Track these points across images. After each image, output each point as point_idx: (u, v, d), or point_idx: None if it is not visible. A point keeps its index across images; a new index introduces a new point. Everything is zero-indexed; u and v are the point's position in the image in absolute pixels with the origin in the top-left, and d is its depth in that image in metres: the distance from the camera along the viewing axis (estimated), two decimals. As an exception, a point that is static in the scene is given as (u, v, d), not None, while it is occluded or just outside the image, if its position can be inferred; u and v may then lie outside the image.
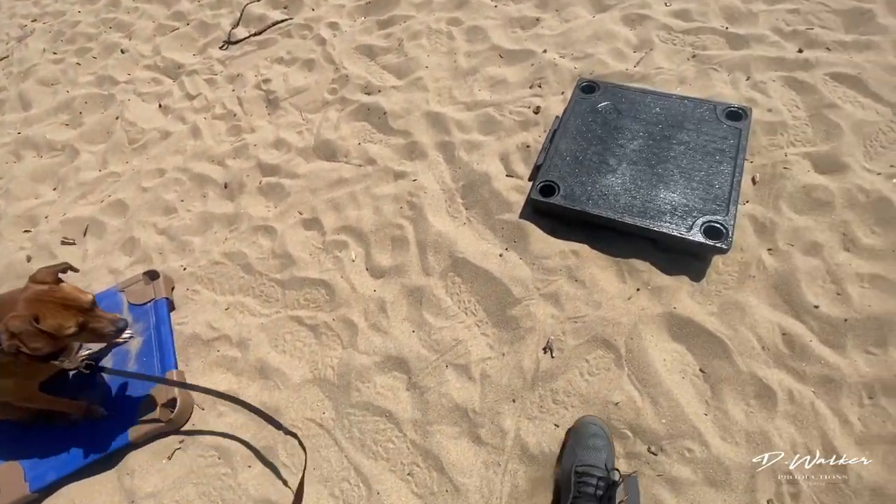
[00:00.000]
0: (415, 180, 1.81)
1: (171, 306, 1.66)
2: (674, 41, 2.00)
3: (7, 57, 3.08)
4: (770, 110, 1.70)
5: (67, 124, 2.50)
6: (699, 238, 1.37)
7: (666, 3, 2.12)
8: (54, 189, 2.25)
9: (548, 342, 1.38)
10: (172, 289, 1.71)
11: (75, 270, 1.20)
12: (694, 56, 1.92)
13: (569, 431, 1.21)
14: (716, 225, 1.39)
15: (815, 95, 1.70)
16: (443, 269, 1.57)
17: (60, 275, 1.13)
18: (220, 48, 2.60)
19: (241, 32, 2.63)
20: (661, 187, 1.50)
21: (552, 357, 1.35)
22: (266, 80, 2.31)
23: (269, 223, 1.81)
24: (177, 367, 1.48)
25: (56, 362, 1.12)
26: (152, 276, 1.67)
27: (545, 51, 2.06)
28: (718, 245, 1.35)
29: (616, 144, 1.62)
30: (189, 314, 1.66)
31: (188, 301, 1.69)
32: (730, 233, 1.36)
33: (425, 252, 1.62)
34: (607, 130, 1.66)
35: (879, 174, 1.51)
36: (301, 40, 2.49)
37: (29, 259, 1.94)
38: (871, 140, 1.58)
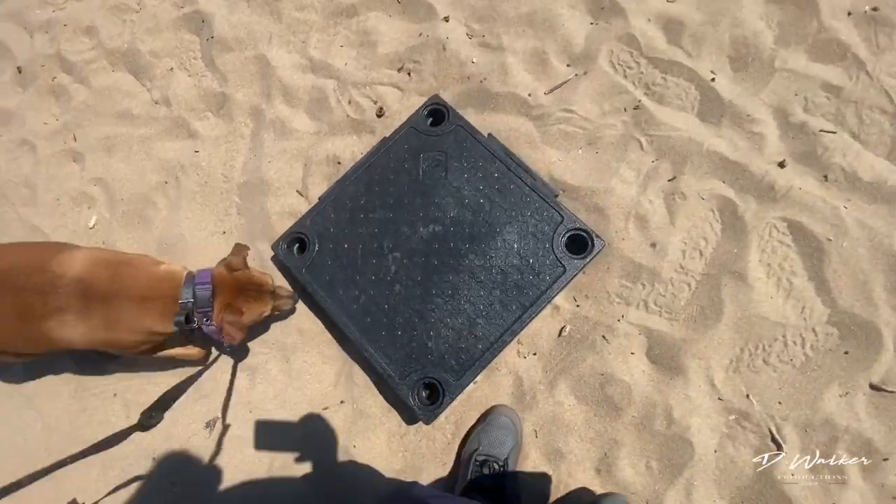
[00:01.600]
0: (197, 152, 1.42)
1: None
2: (626, 70, 1.30)
3: None
4: (653, 245, 1.16)
5: None
6: (405, 393, 1.05)
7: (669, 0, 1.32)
8: None
9: (208, 423, 1.21)
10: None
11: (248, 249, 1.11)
12: (635, 108, 1.26)
13: None
14: (436, 385, 1.05)
15: (736, 249, 1.13)
16: (166, 282, 1.33)
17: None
18: None
19: None
20: (414, 305, 1.10)
21: (208, 435, 1.20)
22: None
23: (37, 140, 1.52)
24: None
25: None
26: None
27: (447, 18, 1.40)
28: (422, 413, 1.04)
29: (407, 221, 1.15)
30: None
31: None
32: (443, 403, 1.03)
33: (160, 250, 1.36)
34: (413, 195, 1.17)
35: (720, 400, 1.07)
36: None
37: None
38: (760, 347, 1.08)
